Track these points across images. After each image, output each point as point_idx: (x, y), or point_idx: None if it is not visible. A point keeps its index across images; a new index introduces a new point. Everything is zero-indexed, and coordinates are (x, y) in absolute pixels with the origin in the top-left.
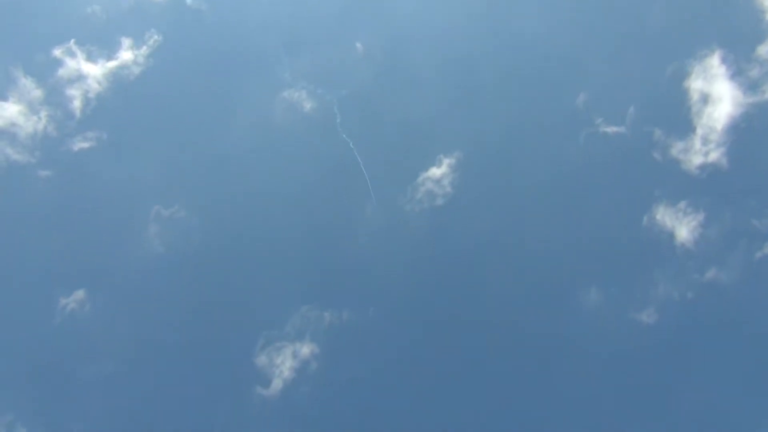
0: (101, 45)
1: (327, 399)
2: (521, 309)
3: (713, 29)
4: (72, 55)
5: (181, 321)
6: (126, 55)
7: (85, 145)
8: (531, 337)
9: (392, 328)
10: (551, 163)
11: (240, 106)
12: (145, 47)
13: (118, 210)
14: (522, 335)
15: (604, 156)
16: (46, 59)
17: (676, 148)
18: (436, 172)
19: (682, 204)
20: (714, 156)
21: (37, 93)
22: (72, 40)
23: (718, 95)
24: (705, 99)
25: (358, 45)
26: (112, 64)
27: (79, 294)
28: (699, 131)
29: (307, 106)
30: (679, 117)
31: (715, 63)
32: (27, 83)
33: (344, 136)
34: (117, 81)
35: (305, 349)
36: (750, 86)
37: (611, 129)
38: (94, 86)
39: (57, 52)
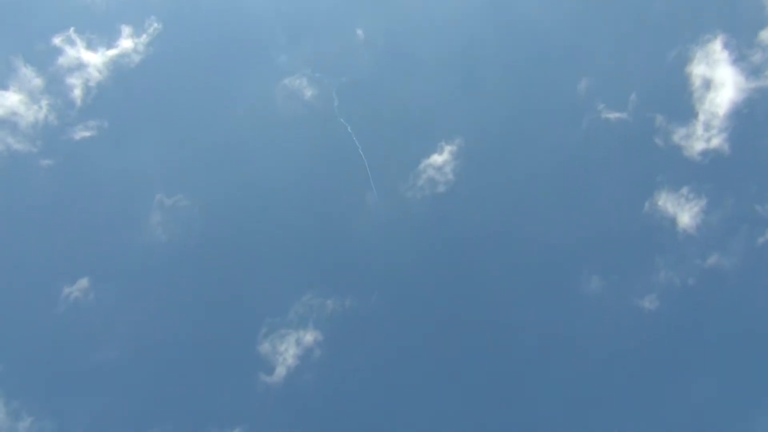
0: (101, 33)
1: (330, 386)
2: (523, 296)
3: (715, 14)
4: (72, 43)
5: (185, 309)
6: (126, 43)
7: (87, 134)
8: (533, 323)
9: (395, 315)
10: (553, 150)
11: (241, 94)
12: (145, 35)
13: (120, 199)
14: (524, 322)
15: (606, 142)
16: (46, 48)
17: (678, 134)
18: (437, 159)
19: (684, 190)
20: (716, 142)
21: (38, 82)
22: (72, 29)
23: (720, 81)
24: (707, 84)
25: (359, 32)
26: (112, 52)
27: (83, 282)
28: (701, 117)
29: (308, 93)
30: (682, 103)
31: (717, 48)
32: (27, 72)
33: (341, 120)
34: (117, 69)
35: (308, 337)
36: (752, 71)
37: (613, 115)
38: (95, 75)
39: (57, 41)
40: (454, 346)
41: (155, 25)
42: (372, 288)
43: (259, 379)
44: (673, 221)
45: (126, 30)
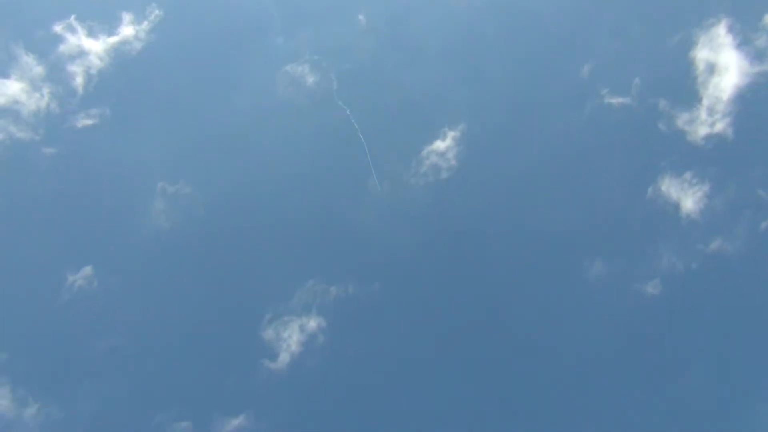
0: (102, 20)
1: (334, 372)
2: (526, 281)
3: None
4: (73, 31)
5: (188, 296)
6: (127, 30)
7: (89, 121)
8: (536, 309)
9: (398, 301)
10: (556, 135)
11: (242, 81)
12: (146, 22)
13: (123, 187)
14: (527, 307)
15: (610, 127)
16: (46, 36)
17: (682, 119)
18: (440, 145)
19: (688, 175)
20: (720, 126)
21: (39, 70)
22: (72, 16)
23: (724, 65)
24: (711, 69)
25: (361, 17)
26: (113, 39)
27: (87, 270)
28: (705, 102)
29: (310, 80)
30: (685, 87)
31: (721, 32)
32: (28, 60)
33: (340, 103)
34: (119, 57)
35: (312, 323)
36: (757, 55)
37: (616, 100)
38: (96, 62)
39: (58, 28)
40: (456, 332)
41: (156, 11)
42: (375, 274)
43: (262, 366)
44: (676, 206)
45: (127, 17)
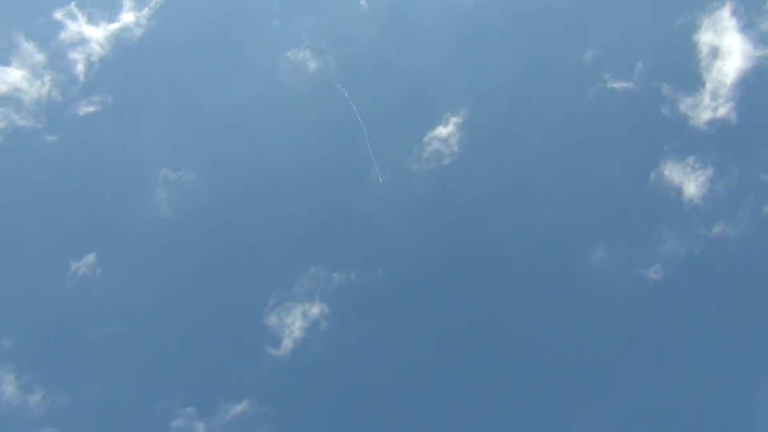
0: (102, 7)
1: (337, 358)
2: (529, 267)
3: None
4: (73, 18)
5: (191, 283)
6: (128, 17)
7: (91, 109)
8: (538, 294)
9: (401, 288)
10: (559, 120)
11: (244, 67)
12: (146, 9)
13: (125, 174)
14: (529, 293)
15: (612, 112)
16: (47, 23)
17: (685, 104)
18: (442, 131)
19: (690, 159)
20: (723, 111)
21: (40, 57)
22: (73, 3)
23: (727, 49)
24: (714, 53)
25: (362, 2)
26: (114, 26)
27: (90, 258)
28: (708, 86)
29: (312, 66)
30: (688, 71)
31: (725, 15)
32: (29, 47)
33: (338, 86)
34: (120, 44)
35: (315, 310)
36: (761, 39)
37: (619, 85)
38: (97, 49)
39: (58, 15)
40: (458, 319)
41: None
42: (378, 261)
43: (266, 352)
44: (678, 191)
45: (128, 3)
